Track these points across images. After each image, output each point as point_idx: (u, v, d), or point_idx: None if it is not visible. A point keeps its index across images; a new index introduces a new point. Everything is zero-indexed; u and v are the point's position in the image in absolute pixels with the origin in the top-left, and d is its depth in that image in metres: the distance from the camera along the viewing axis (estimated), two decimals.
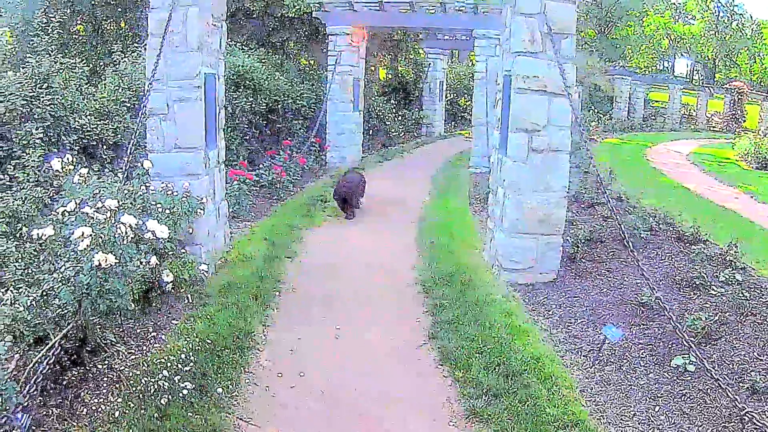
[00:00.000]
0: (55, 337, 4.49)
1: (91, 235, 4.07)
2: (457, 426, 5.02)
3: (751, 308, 6.80)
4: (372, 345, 6.48)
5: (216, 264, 8.12)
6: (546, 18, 7.37)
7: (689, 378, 5.61)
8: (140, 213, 5.75)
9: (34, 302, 4.52)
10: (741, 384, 5.42)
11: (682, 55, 41.69)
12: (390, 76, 26.64)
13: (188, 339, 5.96)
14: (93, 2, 17.40)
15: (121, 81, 11.25)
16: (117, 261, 4.00)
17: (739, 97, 37.85)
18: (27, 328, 4.55)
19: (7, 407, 3.75)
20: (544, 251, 7.93)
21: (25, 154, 8.07)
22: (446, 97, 28.18)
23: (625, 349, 6.17)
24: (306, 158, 15.11)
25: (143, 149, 7.85)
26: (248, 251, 8.83)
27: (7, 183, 7.52)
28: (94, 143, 9.93)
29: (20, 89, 8.98)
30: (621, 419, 5.08)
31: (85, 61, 11.61)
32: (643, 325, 6.66)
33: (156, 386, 4.91)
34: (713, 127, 37.88)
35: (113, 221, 4.26)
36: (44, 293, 4.54)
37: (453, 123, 29.18)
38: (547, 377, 5.53)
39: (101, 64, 14.19)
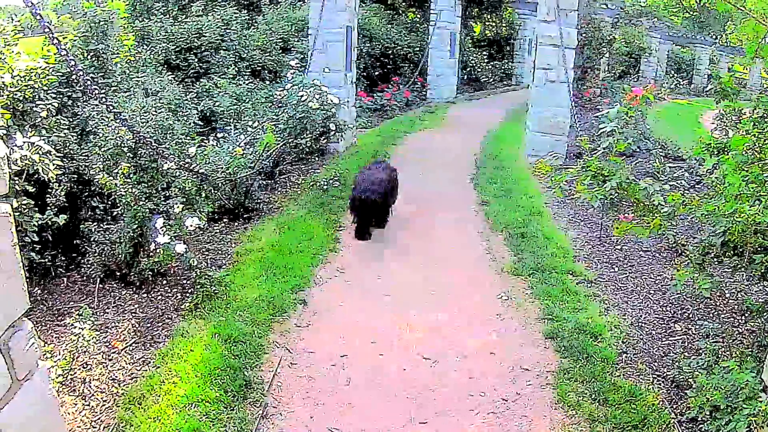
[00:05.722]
0: (272, 149, 9.63)
1: (307, 93, 9.21)
2: (475, 209, 10.01)
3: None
4: (441, 178, 11.66)
5: (346, 147, 13.20)
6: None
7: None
8: None
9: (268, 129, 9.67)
10: None
11: None
12: (487, 32, 30.87)
13: (335, 170, 11.07)
14: None
15: (272, 26, 16.45)
16: (318, 107, 9.10)
17: None
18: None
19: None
20: (554, 145, 12.55)
21: (213, 72, 13.16)
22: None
23: None
24: (410, 92, 19.97)
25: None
26: (367, 141, 13.89)
27: (211, 86, 12.48)
28: (259, 68, 15.11)
29: (213, 29, 14.19)
30: (559, 215, 9.78)
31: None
32: None
33: (319, 184, 10.07)
34: None
35: (316, 91, 9.42)
36: (276, 123, 9.68)
37: None
38: (525, 193, 10.36)
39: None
